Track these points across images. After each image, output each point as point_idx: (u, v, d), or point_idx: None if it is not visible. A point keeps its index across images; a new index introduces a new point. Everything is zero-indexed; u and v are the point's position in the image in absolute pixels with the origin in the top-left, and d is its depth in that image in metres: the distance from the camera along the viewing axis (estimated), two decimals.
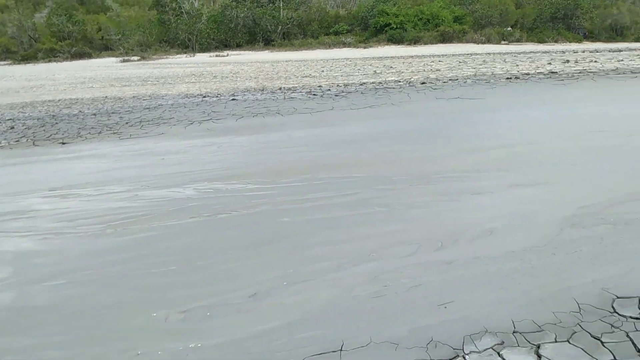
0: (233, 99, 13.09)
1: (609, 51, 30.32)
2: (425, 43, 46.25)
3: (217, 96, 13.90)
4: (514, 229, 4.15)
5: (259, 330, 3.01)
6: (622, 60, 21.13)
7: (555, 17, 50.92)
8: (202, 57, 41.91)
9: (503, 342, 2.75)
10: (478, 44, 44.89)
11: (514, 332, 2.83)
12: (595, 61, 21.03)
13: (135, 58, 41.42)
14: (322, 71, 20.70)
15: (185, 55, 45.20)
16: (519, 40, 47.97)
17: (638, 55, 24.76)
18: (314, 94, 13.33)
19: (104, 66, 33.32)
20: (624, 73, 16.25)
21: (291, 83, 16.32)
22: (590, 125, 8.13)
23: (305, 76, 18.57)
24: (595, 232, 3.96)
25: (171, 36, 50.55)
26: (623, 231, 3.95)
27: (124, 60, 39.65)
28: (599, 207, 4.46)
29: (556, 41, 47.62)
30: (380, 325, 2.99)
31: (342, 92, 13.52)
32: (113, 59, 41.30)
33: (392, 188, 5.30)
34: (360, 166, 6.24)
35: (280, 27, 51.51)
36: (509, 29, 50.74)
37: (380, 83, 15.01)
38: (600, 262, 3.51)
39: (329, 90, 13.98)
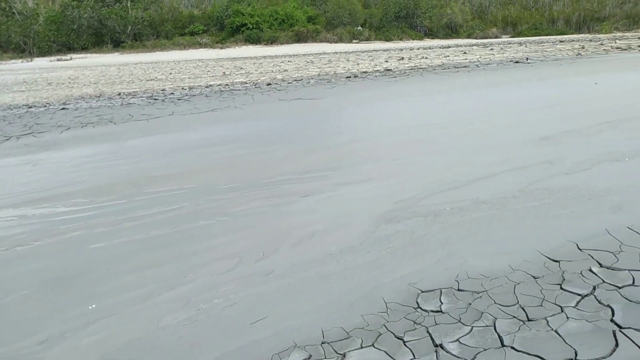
0: (63, 108, 11.81)
1: (440, 47, 33.38)
2: (282, 43, 46.88)
3: (45, 106, 12.46)
4: (335, 229, 4.14)
5: None
6: (448, 56, 23.28)
7: (399, 16, 54.74)
8: (41, 61, 37.87)
9: (310, 356, 2.65)
10: (331, 43, 46.65)
11: (322, 342, 2.75)
12: (426, 57, 22.93)
13: None
14: (170, 73, 19.77)
15: (20, 60, 40.53)
16: (368, 39, 50.77)
17: (462, 51, 27.55)
18: (155, 99, 12.57)
19: None
20: (448, 68, 17.83)
21: (133, 87, 15.27)
22: (414, 120, 8.66)
23: (151, 79, 17.54)
24: (407, 226, 4.09)
25: (2, 39, 44.99)
26: (432, 222, 4.14)
27: None
28: (413, 200, 4.65)
29: (401, 39, 51.26)
30: (186, 357, 2.73)
31: (186, 95, 12.94)
32: None
33: (221, 198, 5.05)
34: (192, 176, 5.89)
35: (130, 27, 48.57)
36: (359, 28, 53.46)
37: (227, 85, 14.68)
38: (409, 256, 3.61)
39: (172, 94, 13.30)
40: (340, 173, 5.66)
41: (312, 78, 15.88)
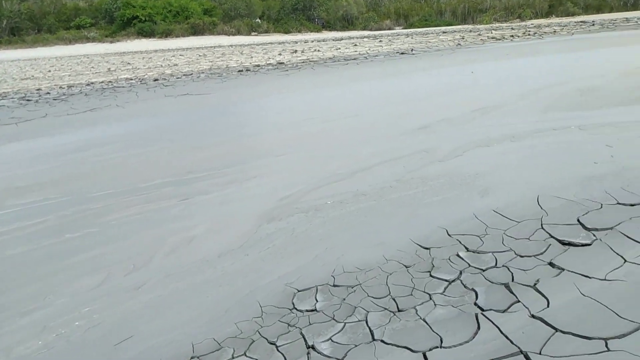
0: None
1: (333, 40, 34.02)
2: (177, 36, 45.15)
3: None
4: (214, 233, 3.98)
5: None
6: (339, 49, 23.79)
7: (296, 9, 55.00)
8: None
9: None
10: (229, 35, 45.71)
11: (192, 357, 2.59)
12: (319, 50, 23.26)
13: None
14: (49, 71, 18.20)
15: None
16: (267, 32, 50.44)
17: (353, 43, 28.30)
18: (29, 100, 11.50)
19: None
20: (338, 61, 18.21)
21: (4, 88, 13.83)
22: (303, 113, 8.70)
23: (26, 78, 16.00)
24: (289, 223, 4.03)
25: None
26: (312, 218, 4.11)
27: None
28: (297, 195, 4.60)
29: (299, 31, 51.53)
30: None
31: (64, 94, 11.97)
32: None
33: (91, 207, 4.66)
34: (62, 184, 5.40)
35: (5, 21, 44.18)
36: (257, 20, 52.95)
37: (111, 82, 13.80)
38: (288, 254, 3.54)
39: (49, 93, 12.24)
40: (225, 172, 5.48)
41: (203, 72, 15.40)
